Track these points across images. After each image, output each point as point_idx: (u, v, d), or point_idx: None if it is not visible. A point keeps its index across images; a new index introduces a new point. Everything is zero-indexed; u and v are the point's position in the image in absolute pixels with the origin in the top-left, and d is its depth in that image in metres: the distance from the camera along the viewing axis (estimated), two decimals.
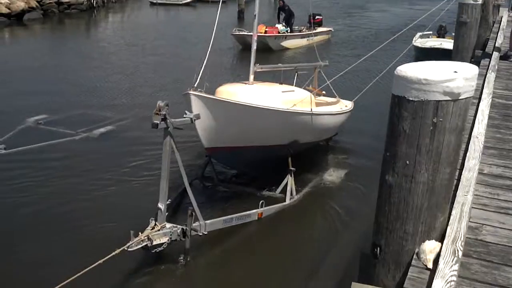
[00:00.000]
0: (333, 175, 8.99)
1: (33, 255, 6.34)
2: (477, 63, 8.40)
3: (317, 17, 23.85)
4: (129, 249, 5.65)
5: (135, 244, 5.74)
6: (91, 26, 29.08)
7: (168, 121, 5.73)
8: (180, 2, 38.55)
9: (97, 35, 25.71)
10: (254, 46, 8.47)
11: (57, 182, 8.32)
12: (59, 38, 24.21)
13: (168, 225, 6.17)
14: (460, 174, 3.74)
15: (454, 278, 2.64)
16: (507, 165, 4.51)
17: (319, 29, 23.58)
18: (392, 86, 2.80)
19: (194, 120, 6.07)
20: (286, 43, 21.51)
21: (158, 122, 5.68)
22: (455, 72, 2.63)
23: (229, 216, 6.85)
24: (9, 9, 26.43)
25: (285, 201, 7.81)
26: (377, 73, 13.73)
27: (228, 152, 7.35)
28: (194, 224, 6.24)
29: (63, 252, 6.37)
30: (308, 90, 9.10)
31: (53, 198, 7.77)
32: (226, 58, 19.04)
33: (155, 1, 38.13)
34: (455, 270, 2.70)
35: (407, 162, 2.78)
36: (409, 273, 2.86)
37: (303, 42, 22.22)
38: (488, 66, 8.13)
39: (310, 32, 22.86)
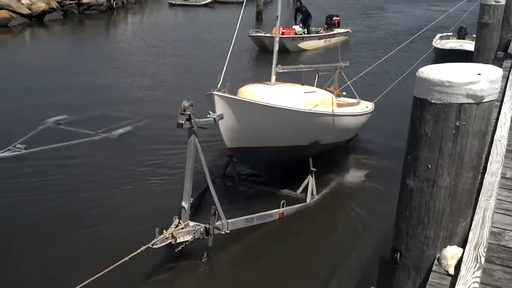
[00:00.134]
0: (353, 176, 9.00)
1: (53, 254, 6.39)
2: (499, 65, 8.26)
3: (334, 18, 23.76)
4: (153, 246, 5.79)
5: (159, 241, 5.87)
6: (111, 27, 29.35)
7: (192, 121, 5.80)
8: (199, 3, 38.73)
9: (116, 36, 25.93)
10: (276, 47, 8.48)
11: (76, 182, 8.40)
12: (79, 38, 24.48)
13: (191, 223, 6.27)
14: (482, 178, 3.67)
15: (477, 285, 2.58)
16: None
17: (337, 30, 23.45)
18: (414, 88, 2.75)
19: (218, 120, 6.17)
20: (303, 45, 21.41)
21: (183, 122, 5.76)
22: (479, 74, 2.57)
23: (250, 216, 6.91)
24: (30, 10, 26.82)
25: (305, 201, 7.84)
26: (397, 74, 13.64)
27: (249, 152, 7.39)
28: (217, 223, 6.32)
29: (83, 251, 6.42)
30: (329, 91, 9.08)
31: (73, 198, 7.83)
32: (244, 59, 19.08)
33: (174, 2, 38.35)
34: (478, 276, 2.64)
35: (429, 166, 2.73)
36: (430, 279, 2.80)
37: (320, 43, 22.13)
38: (511, 67, 8.00)
39: (328, 33, 22.80)
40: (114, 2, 33.82)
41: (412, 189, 2.83)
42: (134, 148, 9.96)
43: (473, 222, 3.03)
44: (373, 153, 10.10)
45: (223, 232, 6.43)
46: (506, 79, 7.08)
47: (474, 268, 2.68)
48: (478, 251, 2.80)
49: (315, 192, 8.04)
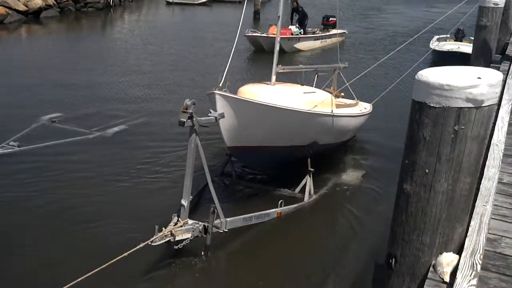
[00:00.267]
0: (350, 176, 9.05)
1: (48, 252, 6.33)
2: (496, 68, 8.23)
3: (331, 18, 23.65)
4: (152, 244, 5.80)
5: (158, 239, 5.88)
6: (108, 25, 29.21)
7: (194, 119, 5.80)
8: (196, 2, 38.58)
9: (113, 33, 25.82)
10: (277, 47, 8.50)
11: (70, 179, 8.32)
12: (75, 36, 24.35)
13: (190, 221, 6.28)
14: (478, 183, 3.62)
15: None
16: None
17: (333, 31, 23.30)
18: (412, 91, 2.70)
19: (219, 119, 6.20)
20: (299, 45, 21.31)
21: (185, 120, 5.75)
22: (479, 78, 2.52)
23: (249, 215, 6.91)
24: (26, 6, 26.68)
25: (303, 200, 7.88)
26: (395, 75, 13.63)
27: (249, 151, 7.40)
28: (215, 222, 6.32)
29: (78, 250, 6.38)
30: (327, 92, 9.07)
31: (67, 196, 7.76)
32: (240, 59, 18.99)
33: (171, 1, 38.23)
34: (474, 285, 2.59)
35: (427, 170, 2.68)
36: (425, 286, 2.76)
37: (316, 44, 22.05)
38: (508, 71, 7.96)
39: (324, 34, 22.71)
40: (111, 0, 33.68)
41: (409, 194, 2.79)
42: (129, 146, 9.88)
43: (470, 229, 2.98)
44: (371, 154, 10.12)
45: (222, 231, 6.45)
46: (503, 82, 7.04)
47: (470, 276, 2.64)
48: (474, 259, 2.75)
49: (312, 192, 8.10)
